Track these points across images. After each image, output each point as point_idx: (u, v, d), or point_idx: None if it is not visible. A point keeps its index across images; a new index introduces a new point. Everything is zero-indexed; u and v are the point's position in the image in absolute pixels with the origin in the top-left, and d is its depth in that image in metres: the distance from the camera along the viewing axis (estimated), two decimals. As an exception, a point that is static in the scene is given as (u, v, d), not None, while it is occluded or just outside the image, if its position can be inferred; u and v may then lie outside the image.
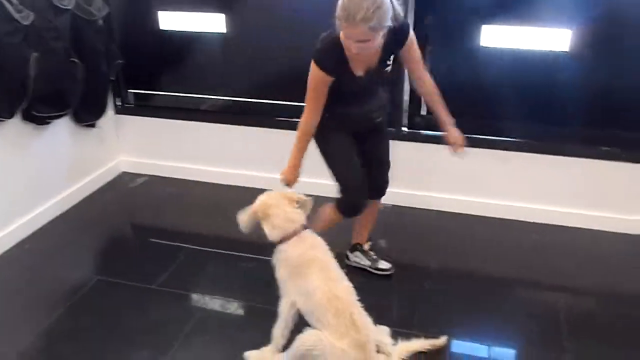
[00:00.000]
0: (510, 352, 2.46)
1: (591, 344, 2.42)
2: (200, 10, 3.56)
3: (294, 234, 2.23)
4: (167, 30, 3.64)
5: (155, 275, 2.83)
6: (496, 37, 3.17)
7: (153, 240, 3.26)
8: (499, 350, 2.47)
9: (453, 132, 2.60)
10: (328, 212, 2.63)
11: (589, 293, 2.78)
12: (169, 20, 3.62)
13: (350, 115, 2.55)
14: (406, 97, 3.39)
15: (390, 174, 2.74)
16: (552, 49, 3.08)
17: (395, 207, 3.36)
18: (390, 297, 2.75)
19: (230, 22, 3.53)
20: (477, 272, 2.93)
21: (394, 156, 2.74)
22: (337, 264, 2.24)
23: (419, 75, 2.56)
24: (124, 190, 3.79)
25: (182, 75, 3.81)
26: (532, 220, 3.32)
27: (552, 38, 3.07)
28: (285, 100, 3.58)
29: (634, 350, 2.39)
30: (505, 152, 3.30)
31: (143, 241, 3.31)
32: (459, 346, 2.43)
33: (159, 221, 3.46)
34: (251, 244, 3.07)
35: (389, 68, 2.47)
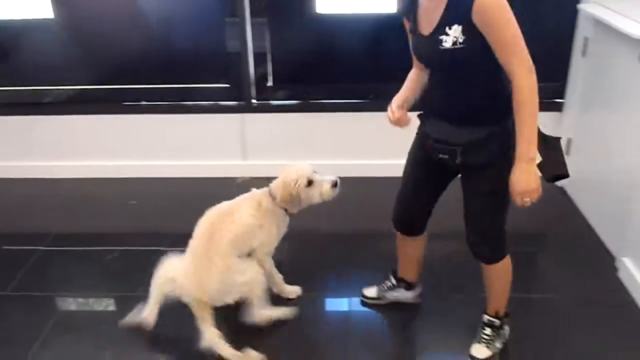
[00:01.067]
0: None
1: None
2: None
3: None
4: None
5: (7, 281, 2.68)
6: (329, 3, 3.29)
7: (3, 247, 3.06)
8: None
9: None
10: None
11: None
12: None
13: (424, 111, 2.01)
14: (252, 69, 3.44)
15: (488, 240, 2.06)
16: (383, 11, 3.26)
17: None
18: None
19: (57, 7, 3.33)
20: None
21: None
22: None
23: (508, 72, 1.72)
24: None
25: (16, 68, 3.55)
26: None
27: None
28: (133, 84, 3.49)
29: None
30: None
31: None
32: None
33: (9, 226, 3.25)
34: (107, 236, 3.07)
35: (446, 43, 1.72)
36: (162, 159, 3.61)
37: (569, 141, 3.27)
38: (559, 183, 3.38)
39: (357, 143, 3.51)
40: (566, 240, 2.98)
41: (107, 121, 3.55)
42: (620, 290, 2.53)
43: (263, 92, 3.47)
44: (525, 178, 1.75)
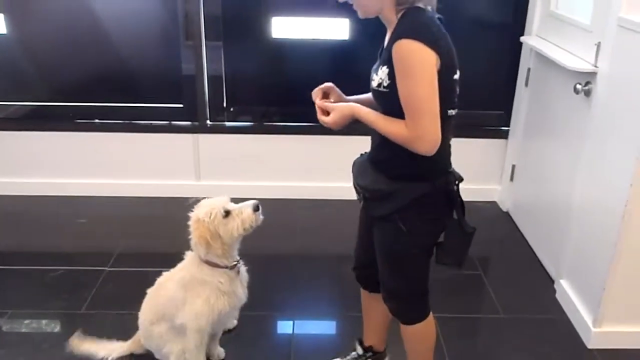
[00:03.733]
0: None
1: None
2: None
3: None
4: None
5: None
6: (285, 28, 3.36)
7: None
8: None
9: None
10: None
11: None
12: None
13: (362, 155, 1.89)
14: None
15: (395, 298, 1.88)
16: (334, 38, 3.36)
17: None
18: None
19: (10, 23, 3.32)
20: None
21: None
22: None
23: None
24: None
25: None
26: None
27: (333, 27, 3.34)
28: (87, 102, 3.49)
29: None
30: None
31: None
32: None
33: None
34: (52, 255, 3.01)
35: (373, 82, 1.66)
36: (114, 178, 3.59)
37: (513, 167, 3.40)
38: (503, 207, 3.51)
39: (309, 165, 3.56)
40: (509, 263, 3.07)
41: (60, 138, 3.52)
42: (557, 311, 2.61)
43: (217, 114, 3.50)
44: (340, 117, 1.70)
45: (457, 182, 1.73)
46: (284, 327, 2.53)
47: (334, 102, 1.80)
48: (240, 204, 1.98)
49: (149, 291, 2.19)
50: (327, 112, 1.73)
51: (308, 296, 2.73)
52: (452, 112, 1.65)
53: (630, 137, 2.14)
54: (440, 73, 1.54)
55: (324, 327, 2.61)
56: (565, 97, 2.68)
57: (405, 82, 1.53)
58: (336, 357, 2.25)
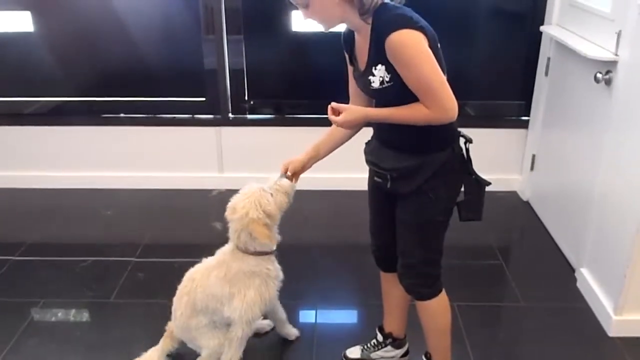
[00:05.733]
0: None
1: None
2: (3, 9, 3.39)
3: None
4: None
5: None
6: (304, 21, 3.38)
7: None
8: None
9: None
10: None
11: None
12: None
13: (369, 143, 1.97)
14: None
15: (413, 274, 1.93)
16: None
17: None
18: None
19: (36, 20, 3.40)
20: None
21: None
22: None
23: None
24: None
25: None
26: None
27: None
28: (112, 97, 3.56)
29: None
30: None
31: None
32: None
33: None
34: (80, 246, 3.10)
35: (374, 84, 1.71)
36: (138, 171, 3.66)
37: (534, 157, 3.40)
38: (524, 197, 3.51)
39: (331, 156, 3.59)
40: (530, 252, 3.08)
41: (85, 133, 3.61)
42: (578, 299, 2.63)
43: (239, 107, 3.55)
44: (353, 118, 1.74)
45: (467, 143, 1.85)
46: (307, 316, 2.58)
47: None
48: (271, 181, 2.02)
49: (181, 288, 2.15)
50: (338, 112, 1.77)
51: (329, 285, 2.77)
52: (445, 76, 1.76)
53: (651, 126, 2.14)
54: (431, 48, 1.63)
55: (345, 316, 2.66)
56: (586, 86, 2.68)
57: (410, 70, 1.62)
58: (357, 344, 2.30)
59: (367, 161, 1.93)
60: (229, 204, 2.01)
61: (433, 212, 1.83)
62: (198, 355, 2.19)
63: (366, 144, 1.97)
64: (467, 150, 1.85)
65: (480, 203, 1.91)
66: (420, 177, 1.78)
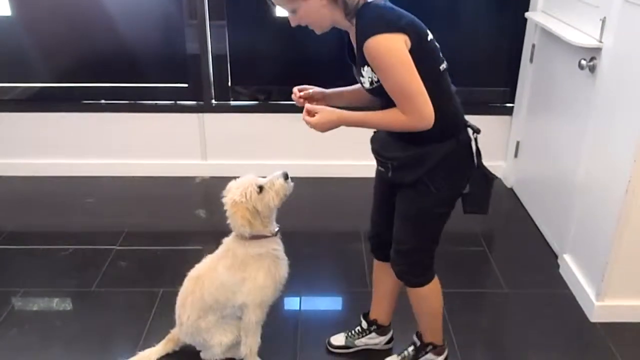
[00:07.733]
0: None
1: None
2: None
3: None
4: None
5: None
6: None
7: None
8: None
9: None
10: None
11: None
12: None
13: (377, 131, 1.93)
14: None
15: (405, 261, 1.95)
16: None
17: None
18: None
19: (15, 5, 3.32)
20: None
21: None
22: None
23: None
24: None
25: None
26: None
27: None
28: (93, 83, 3.50)
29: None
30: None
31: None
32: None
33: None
34: (62, 234, 3.05)
35: (365, 84, 1.72)
36: (120, 158, 3.62)
37: (518, 144, 3.41)
38: (508, 184, 3.52)
39: (314, 143, 3.58)
40: (513, 239, 3.10)
41: (66, 119, 3.54)
42: (561, 285, 2.65)
43: (222, 93, 3.51)
44: (327, 120, 1.73)
45: (475, 133, 1.81)
46: (291, 303, 2.57)
47: (318, 101, 1.89)
48: (269, 177, 2.01)
49: (182, 291, 2.11)
50: (313, 114, 1.75)
51: (313, 273, 2.76)
52: (443, 65, 1.73)
53: (634, 113, 2.14)
54: (414, 45, 1.59)
55: (329, 303, 2.65)
56: (570, 73, 2.68)
57: (385, 76, 1.62)
58: (342, 332, 2.30)
59: (372, 149, 1.91)
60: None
61: (432, 204, 1.81)
62: (198, 355, 2.17)
63: (374, 132, 1.94)
64: (476, 141, 1.81)
65: (486, 197, 1.89)
66: (422, 167, 1.76)
